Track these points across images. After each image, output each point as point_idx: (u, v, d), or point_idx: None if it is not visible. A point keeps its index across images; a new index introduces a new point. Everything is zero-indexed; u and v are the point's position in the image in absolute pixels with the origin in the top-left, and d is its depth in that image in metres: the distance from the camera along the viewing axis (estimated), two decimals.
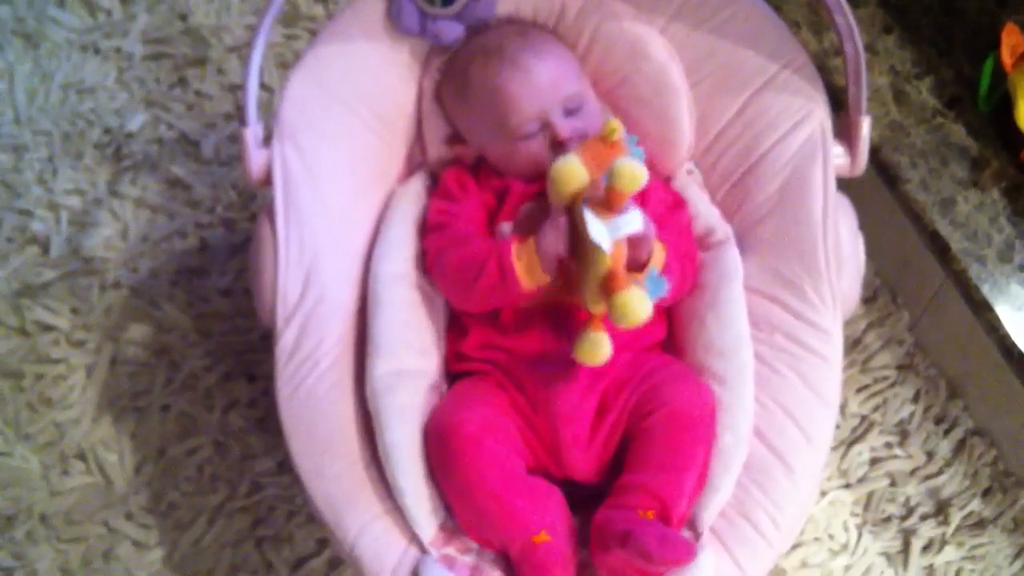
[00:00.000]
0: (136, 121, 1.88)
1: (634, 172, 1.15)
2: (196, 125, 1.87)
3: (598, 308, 1.19)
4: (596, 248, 1.16)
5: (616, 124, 1.23)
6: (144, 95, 1.90)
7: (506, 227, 1.34)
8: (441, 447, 1.25)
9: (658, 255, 1.26)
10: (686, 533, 1.25)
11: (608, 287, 1.16)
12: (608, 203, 1.18)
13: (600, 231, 1.16)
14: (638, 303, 1.13)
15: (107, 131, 1.87)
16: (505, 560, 1.25)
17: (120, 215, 1.80)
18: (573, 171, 1.19)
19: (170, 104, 1.89)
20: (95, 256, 1.77)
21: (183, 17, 1.96)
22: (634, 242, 1.20)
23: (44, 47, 1.95)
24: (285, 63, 1.92)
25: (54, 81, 1.92)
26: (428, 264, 1.36)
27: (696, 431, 1.24)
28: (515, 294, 1.24)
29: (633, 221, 1.17)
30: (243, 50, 1.94)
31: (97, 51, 1.94)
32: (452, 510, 1.26)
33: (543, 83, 1.32)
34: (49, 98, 1.90)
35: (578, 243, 1.19)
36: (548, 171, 1.21)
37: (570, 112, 1.33)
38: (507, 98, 1.32)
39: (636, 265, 1.21)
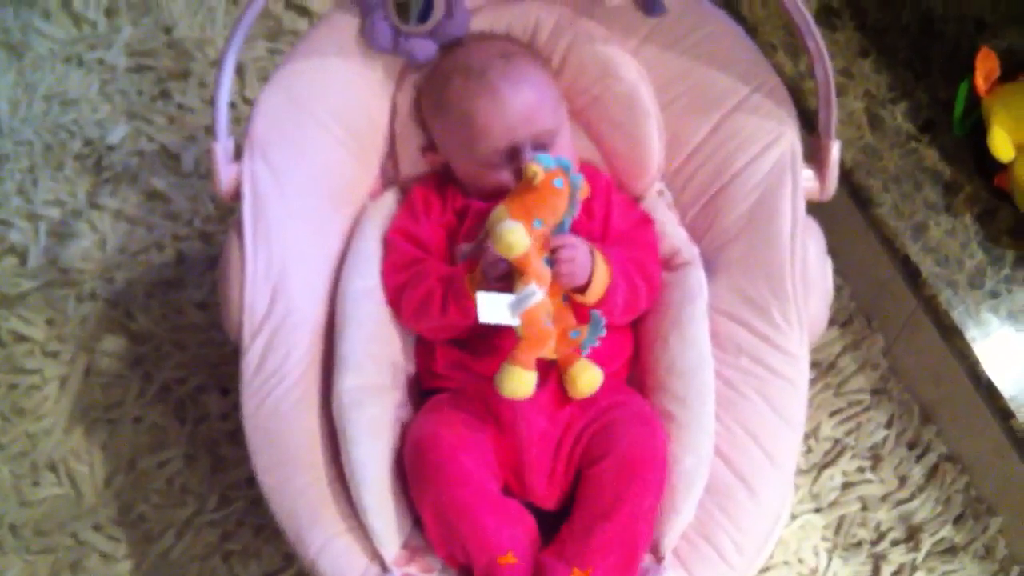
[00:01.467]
0: (117, 133, 1.88)
1: (508, 241, 1.18)
2: (177, 138, 1.88)
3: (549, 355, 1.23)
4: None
5: (535, 169, 1.22)
6: (126, 107, 1.91)
7: (465, 248, 1.34)
8: (417, 461, 1.25)
9: (601, 279, 1.26)
10: (648, 557, 1.25)
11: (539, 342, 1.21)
12: (515, 271, 1.21)
13: (494, 311, 1.19)
14: (589, 377, 1.24)
15: (88, 143, 1.88)
16: None
17: (99, 227, 1.80)
18: (515, 239, 1.19)
19: (152, 117, 1.89)
20: (72, 267, 1.77)
21: (167, 30, 1.96)
22: (563, 280, 1.23)
23: (28, 58, 1.95)
24: (267, 78, 1.91)
25: (37, 92, 1.92)
26: (388, 300, 1.37)
27: (645, 478, 1.23)
28: (471, 315, 1.24)
29: (534, 294, 1.19)
30: None
31: (81, 63, 1.95)
32: (422, 523, 1.26)
33: (516, 116, 1.32)
34: (32, 109, 1.91)
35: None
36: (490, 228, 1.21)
37: (540, 146, 1.32)
38: (478, 124, 1.32)
39: (579, 290, 1.25)
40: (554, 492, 1.29)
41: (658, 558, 1.26)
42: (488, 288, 1.22)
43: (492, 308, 1.19)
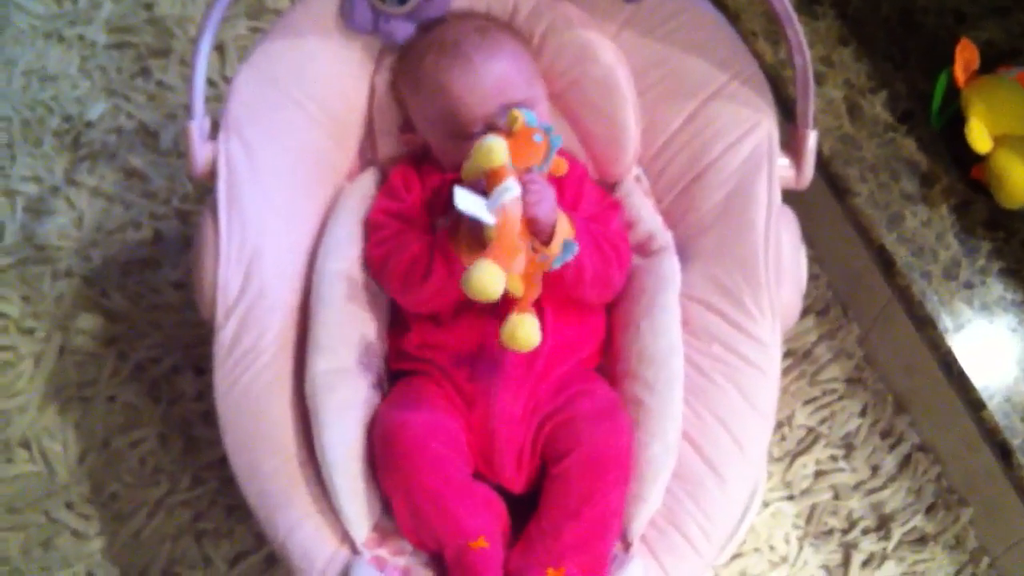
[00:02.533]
0: (96, 110, 1.87)
1: (490, 147, 1.17)
2: (156, 116, 1.87)
3: (516, 288, 1.18)
4: (480, 222, 1.16)
5: (516, 113, 1.21)
6: (106, 84, 1.90)
7: (443, 221, 1.33)
8: (386, 448, 1.24)
9: (563, 225, 1.23)
10: (616, 545, 1.25)
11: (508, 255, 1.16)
12: (488, 182, 1.18)
13: (470, 203, 1.16)
14: (528, 328, 1.16)
15: (67, 119, 1.87)
16: (438, 563, 1.24)
17: (76, 204, 1.80)
18: (494, 149, 1.18)
19: (131, 94, 1.89)
20: (49, 244, 1.77)
21: (148, 7, 1.96)
22: (529, 209, 1.19)
23: (8, 33, 1.94)
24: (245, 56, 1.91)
25: (16, 67, 1.91)
26: (374, 274, 1.36)
27: (610, 475, 1.23)
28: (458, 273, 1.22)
29: (510, 189, 1.16)
30: None
31: (61, 39, 1.94)
32: (391, 509, 1.25)
33: (490, 87, 1.32)
34: (11, 84, 1.90)
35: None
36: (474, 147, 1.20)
37: None
38: (454, 98, 1.32)
39: (542, 236, 1.20)
40: (522, 476, 1.29)
41: (626, 545, 1.25)
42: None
43: (468, 200, 1.16)
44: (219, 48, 1.92)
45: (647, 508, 1.25)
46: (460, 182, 1.21)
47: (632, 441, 1.26)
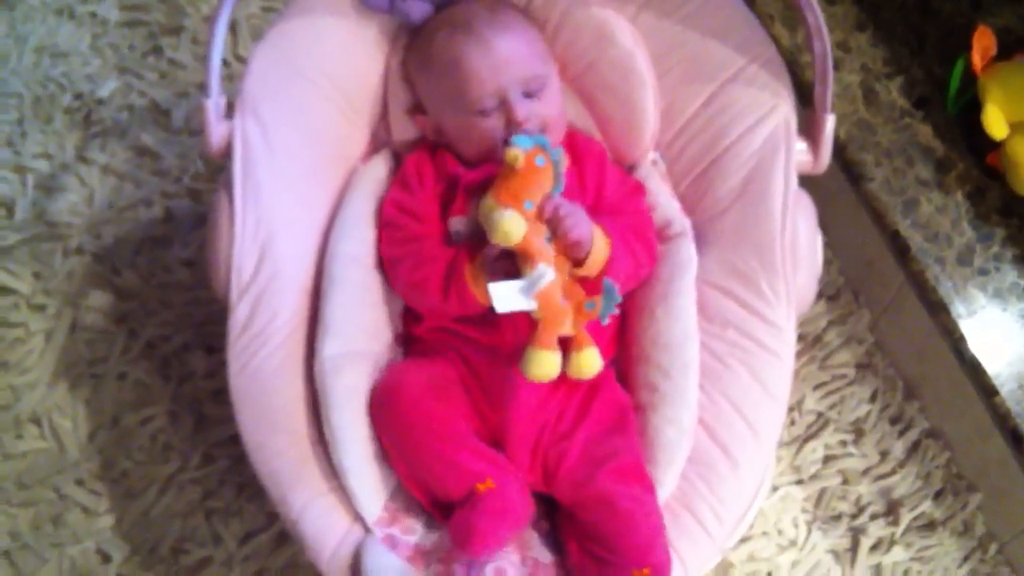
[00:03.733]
0: (108, 87, 1.87)
1: (504, 230, 1.18)
2: (168, 94, 1.86)
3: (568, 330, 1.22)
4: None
5: (515, 152, 1.20)
6: (117, 62, 1.89)
7: (457, 223, 1.33)
8: (383, 407, 1.25)
9: (600, 248, 1.25)
10: None
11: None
12: (519, 259, 1.21)
13: (509, 301, 1.19)
14: (591, 362, 1.23)
15: (78, 96, 1.86)
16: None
17: (87, 181, 1.79)
18: (512, 227, 1.19)
19: (143, 72, 1.88)
20: (60, 221, 1.76)
21: None
22: (570, 246, 1.22)
23: (19, 9, 1.93)
24: (261, 36, 1.89)
25: (27, 44, 1.90)
26: (384, 268, 1.36)
27: (642, 534, 1.21)
28: (473, 307, 1.25)
29: (544, 275, 1.19)
30: None
31: (72, 15, 1.93)
32: (395, 471, 1.26)
33: (503, 60, 1.31)
34: (22, 61, 1.89)
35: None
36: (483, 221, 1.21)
37: (529, 94, 1.32)
38: (466, 71, 1.31)
39: (578, 257, 1.24)
40: (537, 470, 1.29)
41: None
42: (492, 277, 1.22)
43: (506, 297, 1.19)
44: (232, 27, 1.91)
45: (662, 492, 1.26)
46: (479, 269, 1.24)
47: (660, 518, 1.24)
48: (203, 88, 1.82)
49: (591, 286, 1.25)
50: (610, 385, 1.33)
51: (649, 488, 1.24)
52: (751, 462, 1.28)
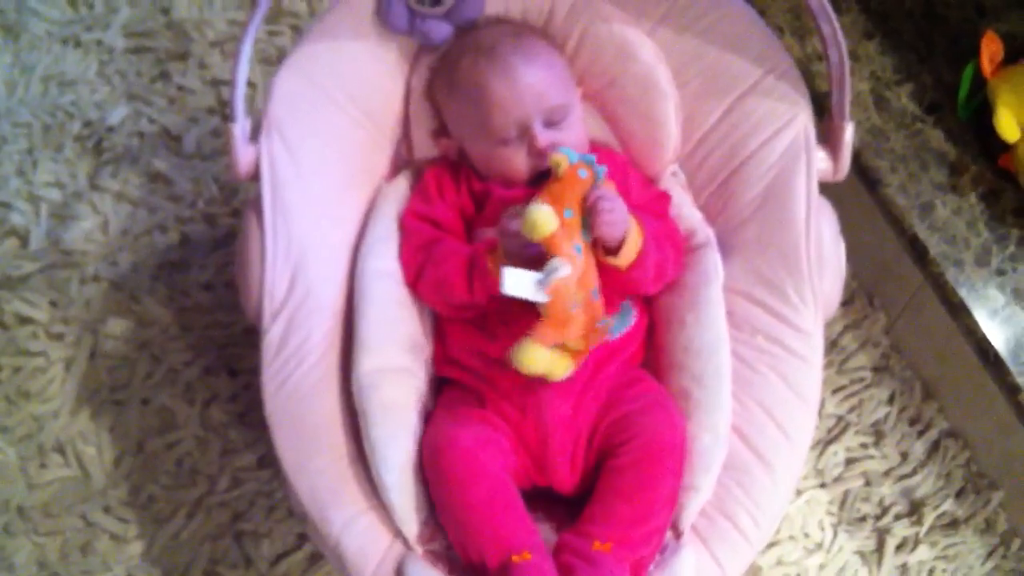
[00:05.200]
0: (117, 114, 1.87)
1: (534, 219, 1.18)
2: (178, 119, 1.87)
3: (577, 345, 1.22)
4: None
5: (558, 158, 1.22)
6: (125, 88, 1.90)
7: (485, 234, 1.35)
8: (434, 463, 1.24)
9: (634, 238, 1.26)
10: (667, 534, 1.27)
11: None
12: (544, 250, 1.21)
13: (520, 286, 1.18)
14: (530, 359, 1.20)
15: (87, 124, 1.87)
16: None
17: (100, 208, 1.80)
18: (542, 220, 1.19)
19: (152, 98, 1.89)
20: (75, 249, 1.77)
21: (165, 11, 1.96)
22: (607, 230, 1.22)
23: (24, 39, 1.94)
24: (267, 59, 1.92)
25: (34, 73, 1.91)
26: (409, 282, 1.37)
27: (666, 464, 1.24)
28: (496, 289, 1.24)
29: (558, 268, 1.18)
30: (226, 45, 1.93)
31: (78, 44, 1.93)
32: (440, 520, 1.26)
33: (528, 90, 1.33)
34: (29, 90, 1.89)
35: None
36: (523, 212, 1.21)
37: (551, 123, 1.33)
38: (490, 100, 1.33)
39: (612, 249, 1.24)
40: (575, 476, 1.30)
41: (677, 534, 1.27)
42: (512, 264, 1.22)
43: (517, 282, 1.18)
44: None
45: (699, 498, 1.27)
46: (504, 253, 1.24)
47: (685, 432, 1.27)
48: (219, 112, 1.87)
49: (614, 284, 1.26)
50: (646, 380, 1.35)
51: (678, 418, 1.27)
52: (786, 466, 1.30)
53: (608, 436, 1.27)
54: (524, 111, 1.32)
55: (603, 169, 1.24)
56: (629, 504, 1.22)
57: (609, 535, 1.21)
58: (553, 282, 1.18)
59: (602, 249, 1.25)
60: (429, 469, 1.25)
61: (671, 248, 1.35)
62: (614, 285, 1.27)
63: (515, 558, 1.19)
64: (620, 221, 1.24)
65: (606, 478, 1.25)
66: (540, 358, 1.21)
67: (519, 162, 1.34)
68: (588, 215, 1.22)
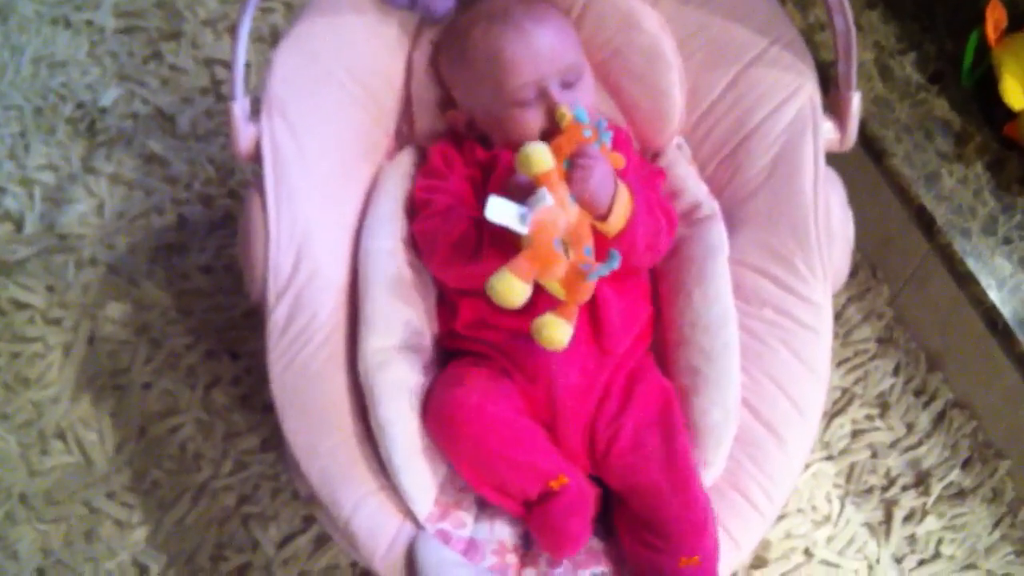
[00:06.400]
0: (110, 96, 1.85)
1: (529, 154, 1.16)
2: (172, 99, 1.85)
3: (558, 292, 1.19)
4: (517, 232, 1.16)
5: (563, 110, 1.23)
6: (117, 69, 1.87)
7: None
8: (443, 424, 1.24)
9: (623, 202, 1.24)
10: None
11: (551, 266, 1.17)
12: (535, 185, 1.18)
13: (503, 213, 1.16)
14: (554, 330, 1.16)
15: (80, 106, 1.84)
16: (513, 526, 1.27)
17: (95, 191, 1.77)
18: (537, 156, 1.17)
19: (144, 78, 1.86)
20: (70, 233, 1.74)
21: None
22: (577, 185, 1.19)
23: (13, 20, 1.91)
24: (261, 37, 1.90)
25: (24, 55, 1.88)
26: (420, 248, 1.36)
27: (691, 523, 1.24)
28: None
29: (543, 199, 1.16)
30: (218, 23, 1.91)
31: (68, 24, 1.91)
32: (466, 481, 1.26)
33: (543, 50, 1.32)
34: (20, 72, 1.87)
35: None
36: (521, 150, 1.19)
37: (567, 84, 1.33)
38: (507, 62, 1.31)
39: (598, 211, 1.22)
40: (586, 453, 1.29)
41: None
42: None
43: (501, 210, 1.16)
44: (230, 30, 1.90)
45: (710, 473, 1.27)
46: (502, 183, 1.22)
47: (687, 445, 1.27)
48: (213, 91, 1.84)
49: (603, 248, 1.22)
50: (652, 371, 1.34)
51: (696, 477, 1.25)
52: (797, 438, 1.30)
53: (631, 494, 1.26)
54: (541, 71, 1.31)
55: (609, 134, 1.24)
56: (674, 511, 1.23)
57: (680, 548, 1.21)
58: (537, 211, 1.15)
59: (591, 214, 1.22)
60: (436, 433, 1.25)
61: (663, 215, 1.33)
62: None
63: (553, 484, 1.21)
64: (597, 180, 1.20)
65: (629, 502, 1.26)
66: (515, 289, 1.15)
67: (536, 124, 1.32)
68: (574, 164, 1.20)
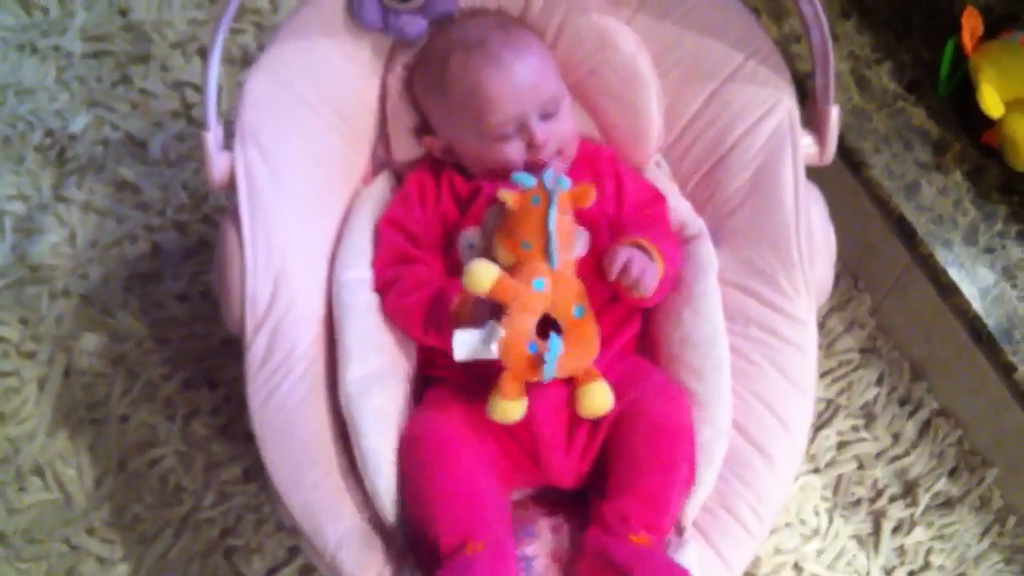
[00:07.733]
0: (79, 122, 1.82)
1: (473, 276, 1.17)
2: (142, 124, 1.82)
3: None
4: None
5: (505, 194, 1.22)
6: (86, 95, 1.85)
7: (470, 236, 1.32)
8: (410, 447, 1.22)
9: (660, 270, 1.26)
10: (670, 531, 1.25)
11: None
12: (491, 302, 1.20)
13: (470, 349, 1.18)
14: (505, 412, 1.20)
15: (49, 133, 1.82)
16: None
17: (67, 220, 1.75)
18: (478, 274, 1.18)
19: (114, 103, 1.84)
20: (43, 264, 1.72)
21: (123, 13, 1.91)
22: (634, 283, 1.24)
23: None
24: (231, 59, 1.87)
25: None
26: (376, 289, 1.34)
27: (679, 445, 1.23)
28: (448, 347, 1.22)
29: (497, 332, 1.18)
30: (187, 45, 1.89)
31: (35, 50, 1.88)
32: (405, 510, 1.22)
33: (524, 85, 1.30)
34: None
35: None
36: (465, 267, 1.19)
37: (547, 116, 1.32)
38: (487, 97, 1.30)
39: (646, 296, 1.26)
40: (571, 465, 1.27)
41: (679, 531, 1.25)
42: (473, 318, 1.21)
43: (466, 344, 1.18)
44: (198, 51, 1.88)
45: (701, 492, 1.25)
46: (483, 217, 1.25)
47: (691, 417, 1.26)
48: (184, 115, 1.82)
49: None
50: (648, 371, 1.32)
51: (684, 402, 1.26)
52: (785, 456, 1.28)
53: (616, 420, 1.24)
54: (521, 107, 1.30)
55: (566, 181, 1.23)
56: (649, 493, 1.20)
57: (638, 528, 1.18)
58: (498, 340, 1.18)
59: (624, 288, 1.26)
60: (404, 457, 1.23)
61: (671, 268, 1.32)
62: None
63: (468, 547, 1.16)
64: (650, 279, 1.24)
65: (619, 464, 1.22)
66: (510, 409, 1.21)
67: (515, 156, 1.32)
68: (621, 279, 1.24)
